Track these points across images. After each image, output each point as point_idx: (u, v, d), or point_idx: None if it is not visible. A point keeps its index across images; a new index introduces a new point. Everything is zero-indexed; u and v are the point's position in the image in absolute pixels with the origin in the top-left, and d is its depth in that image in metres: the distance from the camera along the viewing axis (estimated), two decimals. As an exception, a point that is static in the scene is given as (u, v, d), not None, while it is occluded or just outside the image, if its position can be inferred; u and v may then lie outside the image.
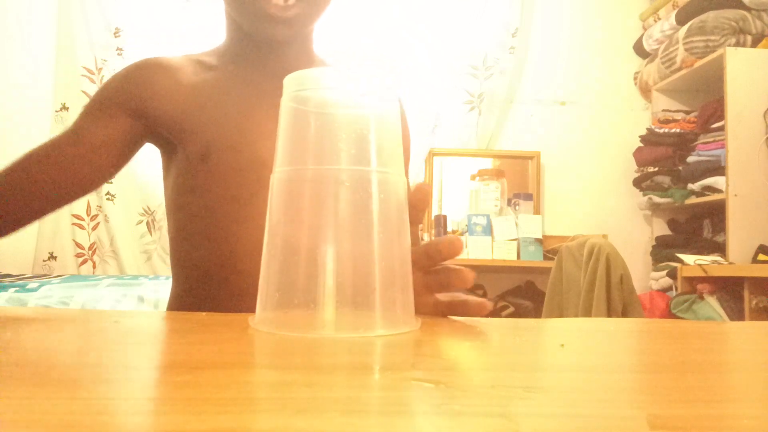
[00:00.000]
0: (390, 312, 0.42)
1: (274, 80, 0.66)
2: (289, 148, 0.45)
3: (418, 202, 0.50)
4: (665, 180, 2.68)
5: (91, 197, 2.78)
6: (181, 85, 0.75)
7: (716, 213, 2.46)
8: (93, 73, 2.79)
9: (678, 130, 2.65)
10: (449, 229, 2.70)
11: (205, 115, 0.73)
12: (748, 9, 2.44)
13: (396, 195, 0.44)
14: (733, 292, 2.15)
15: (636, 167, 2.86)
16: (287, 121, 0.45)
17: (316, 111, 0.44)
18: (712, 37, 2.43)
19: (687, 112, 2.72)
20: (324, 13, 0.75)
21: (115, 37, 2.79)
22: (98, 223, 2.77)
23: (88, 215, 2.77)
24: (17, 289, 1.96)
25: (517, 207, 2.77)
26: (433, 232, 2.64)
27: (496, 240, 2.64)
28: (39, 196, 0.75)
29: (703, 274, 2.17)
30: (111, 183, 2.75)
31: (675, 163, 2.65)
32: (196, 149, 0.72)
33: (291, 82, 0.45)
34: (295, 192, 0.43)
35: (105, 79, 2.76)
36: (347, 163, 0.42)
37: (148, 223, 2.78)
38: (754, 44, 2.42)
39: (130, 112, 0.75)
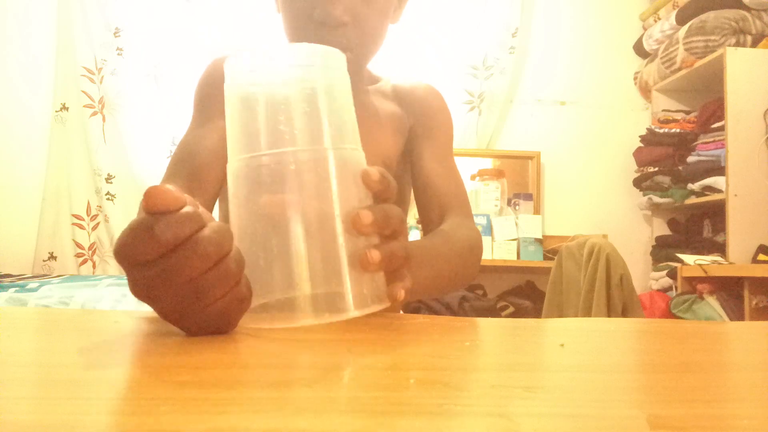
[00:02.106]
0: (359, 291, 0.42)
1: None
2: (239, 135, 0.43)
3: (378, 191, 0.45)
4: (665, 180, 2.68)
5: (91, 197, 2.78)
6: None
7: (716, 213, 2.46)
8: (93, 73, 2.79)
9: (678, 130, 2.65)
10: (449, 229, 2.70)
11: None
12: (748, 9, 2.44)
13: (354, 171, 0.43)
14: (733, 292, 2.15)
15: (636, 167, 2.86)
16: (233, 107, 0.44)
17: (260, 91, 0.43)
18: (712, 37, 2.43)
19: (687, 112, 2.72)
20: (377, 45, 0.80)
21: (115, 36, 2.79)
22: (98, 223, 2.77)
23: (88, 215, 2.77)
24: (17, 289, 1.97)
25: (517, 207, 2.77)
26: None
27: (496, 240, 2.64)
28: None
29: (703, 274, 2.17)
30: (111, 183, 2.76)
31: (675, 163, 2.65)
32: None
33: (230, 68, 0.44)
34: (253, 181, 0.42)
35: (105, 79, 2.78)
36: (301, 144, 0.41)
37: (148, 223, 2.78)
38: (754, 44, 2.42)
39: None
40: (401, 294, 0.44)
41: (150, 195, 0.34)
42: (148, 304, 0.37)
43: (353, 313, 0.41)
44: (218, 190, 0.75)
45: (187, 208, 0.35)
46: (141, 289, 0.36)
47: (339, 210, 0.41)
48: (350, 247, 0.41)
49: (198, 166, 0.73)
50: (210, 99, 0.79)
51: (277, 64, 0.44)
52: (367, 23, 0.76)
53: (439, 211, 0.81)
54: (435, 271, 0.67)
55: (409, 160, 0.88)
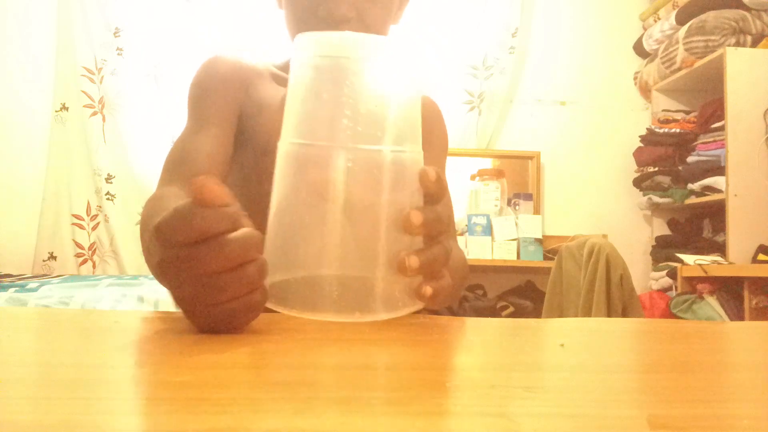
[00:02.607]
0: (390, 293, 0.41)
1: None
2: (302, 118, 0.42)
3: (433, 192, 0.44)
4: (665, 180, 2.68)
5: (91, 197, 2.78)
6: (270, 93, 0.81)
7: (716, 213, 2.46)
8: (93, 73, 2.79)
9: (678, 130, 2.65)
10: (449, 229, 2.70)
11: (273, 114, 0.77)
12: (748, 9, 2.44)
13: (410, 171, 0.42)
14: (733, 292, 2.15)
15: (636, 167, 2.86)
16: (300, 87, 0.42)
17: (333, 78, 0.41)
18: (712, 37, 2.43)
19: (687, 112, 2.72)
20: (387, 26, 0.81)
21: (115, 36, 2.79)
22: (98, 223, 2.77)
23: (88, 215, 2.77)
24: (17, 289, 1.97)
25: (517, 207, 2.77)
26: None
27: (496, 240, 2.64)
28: None
29: (703, 274, 2.17)
30: (111, 183, 2.76)
31: (675, 163, 2.65)
32: (258, 141, 0.77)
33: (312, 43, 0.42)
34: (304, 169, 0.41)
35: (105, 79, 2.78)
36: (360, 141, 0.40)
37: (148, 223, 2.78)
38: (754, 44, 2.42)
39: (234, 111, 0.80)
40: (428, 291, 0.42)
41: (199, 186, 0.36)
42: (167, 286, 0.39)
43: (381, 315, 0.40)
44: None
45: (229, 208, 0.37)
46: (165, 269, 0.37)
47: (387, 204, 0.41)
48: (391, 243, 0.40)
49: (195, 174, 0.72)
50: (207, 101, 0.78)
51: (362, 53, 0.42)
52: (371, 21, 0.75)
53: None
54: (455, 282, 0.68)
55: None
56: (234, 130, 0.78)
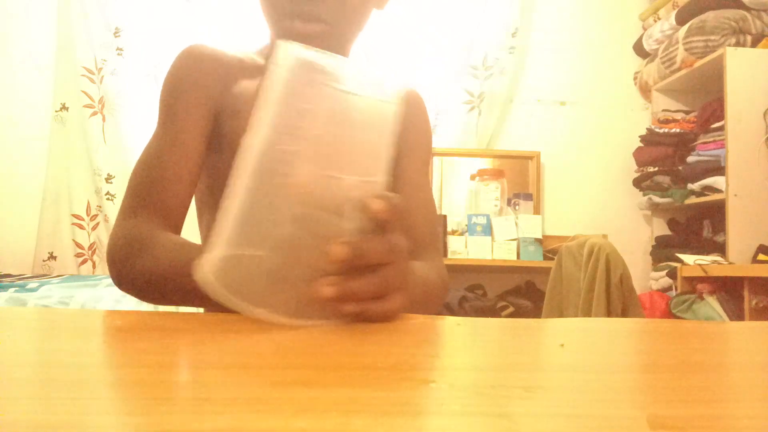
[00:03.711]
0: (307, 303, 0.43)
1: None
2: (276, 123, 0.41)
3: (385, 219, 0.44)
4: (665, 180, 2.68)
5: (91, 197, 2.78)
6: (245, 83, 0.75)
7: (716, 213, 2.46)
8: (93, 73, 2.79)
9: (678, 130, 2.65)
10: (449, 229, 2.70)
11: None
12: (748, 9, 2.44)
13: (360, 201, 0.43)
14: (733, 292, 2.15)
15: (636, 167, 2.86)
16: (279, 91, 0.41)
17: (314, 94, 0.42)
18: (712, 37, 2.43)
19: (687, 112, 2.72)
20: (356, 23, 0.75)
21: (115, 36, 2.79)
22: (98, 223, 2.77)
23: (87, 215, 2.77)
24: (17, 289, 1.97)
25: (517, 207, 2.77)
26: (433, 232, 2.64)
27: (496, 240, 2.64)
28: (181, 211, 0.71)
29: (703, 274, 2.17)
30: (111, 183, 2.76)
31: (675, 163, 2.65)
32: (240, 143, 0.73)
33: (296, 52, 0.41)
34: (275, 168, 0.41)
35: (105, 79, 2.78)
36: (321, 166, 0.41)
37: (148, 223, 2.78)
38: (754, 44, 2.42)
39: (210, 105, 0.74)
40: (325, 292, 0.41)
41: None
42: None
43: (295, 321, 0.42)
44: (184, 215, 0.70)
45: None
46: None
47: (337, 228, 0.42)
48: (321, 263, 0.41)
49: (164, 200, 0.68)
50: (179, 102, 0.72)
51: (345, 76, 0.43)
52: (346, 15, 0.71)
53: (413, 245, 0.80)
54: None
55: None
56: (208, 132, 0.72)
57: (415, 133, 0.84)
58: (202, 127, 0.72)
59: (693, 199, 2.54)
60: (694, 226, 2.68)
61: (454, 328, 0.48)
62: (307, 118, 0.42)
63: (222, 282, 0.39)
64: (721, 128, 2.36)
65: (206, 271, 0.39)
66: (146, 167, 0.71)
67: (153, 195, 0.68)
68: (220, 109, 0.73)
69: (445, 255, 2.56)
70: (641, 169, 2.83)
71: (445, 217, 2.68)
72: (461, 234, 2.68)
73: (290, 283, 0.42)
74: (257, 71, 0.77)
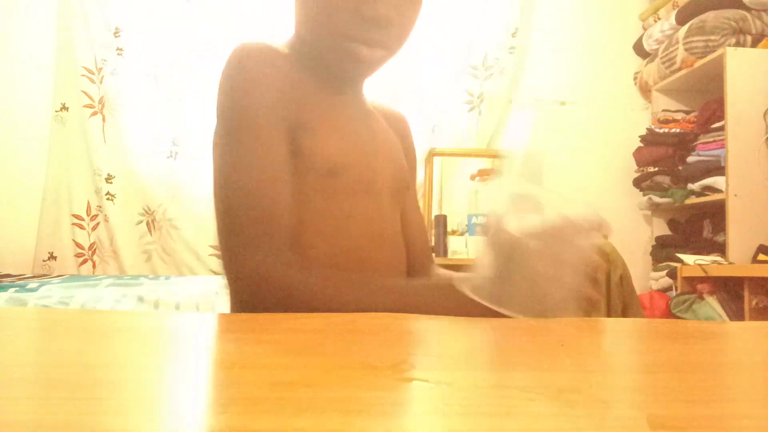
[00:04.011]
0: None
1: (358, 105, 0.78)
2: None
3: None
4: (665, 180, 2.68)
5: (91, 197, 2.78)
6: (306, 94, 0.72)
7: (716, 213, 2.46)
8: (93, 73, 2.79)
9: (678, 130, 2.64)
10: (449, 229, 2.70)
11: (330, 131, 0.71)
12: (748, 9, 2.44)
13: None
14: (733, 292, 2.15)
15: (636, 167, 2.86)
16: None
17: None
18: (712, 37, 2.43)
19: (687, 112, 2.72)
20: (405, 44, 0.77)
21: (115, 36, 2.79)
22: (98, 223, 2.77)
23: (88, 215, 2.77)
24: (17, 289, 1.96)
25: (517, 207, 2.76)
26: (432, 232, 2.64)
27: (496, 240, 2.63)
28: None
29: (703, 274, 2.17)
30: (111, 183, 2.76)
31: (675, 163, 2.65)
32: (322, 164, 0.69)
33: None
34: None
35: (105, 79, 2.78)
36: None
37: (148, 223, 2.78)
38: (754, 44, 2.42)
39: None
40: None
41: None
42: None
43: None
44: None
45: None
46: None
47: None
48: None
49: (282, 229, 0.64)
50: (260, 108, 0.65)
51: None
52: (410, 23, 0.74)
53: (412, 261, 0.85)
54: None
55: None
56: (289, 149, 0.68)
57: (412, 157, 0.90)
58: (287, 144, 0.67)
59: (693, 199, 2.54)
60: (694, 226, 2.68)
61: (454, 328, 0.48)
62: None
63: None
64: (721, 128, 2.36)
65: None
66: (253, 194, 0.64)
67: (273, 225, 0.63)
68: (296, 124, 0.68)
69: (445, 255, 2.56)
70: (641, 169, 2.83)
71: (445, 217, 2.67)
72: (461, 234, 2.68)
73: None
74: (322, 81, 0.74)
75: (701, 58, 2.48)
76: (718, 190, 2.37)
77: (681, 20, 2.64)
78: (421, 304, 0.58)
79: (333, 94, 0.75)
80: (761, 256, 2.19)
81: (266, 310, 0.59)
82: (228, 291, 0.65)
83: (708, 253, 2.40)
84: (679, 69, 2.62)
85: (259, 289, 0.61)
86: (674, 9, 2.73)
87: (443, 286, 0.59)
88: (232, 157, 0.65)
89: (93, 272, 2.74)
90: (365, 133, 0.76)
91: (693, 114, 2.67)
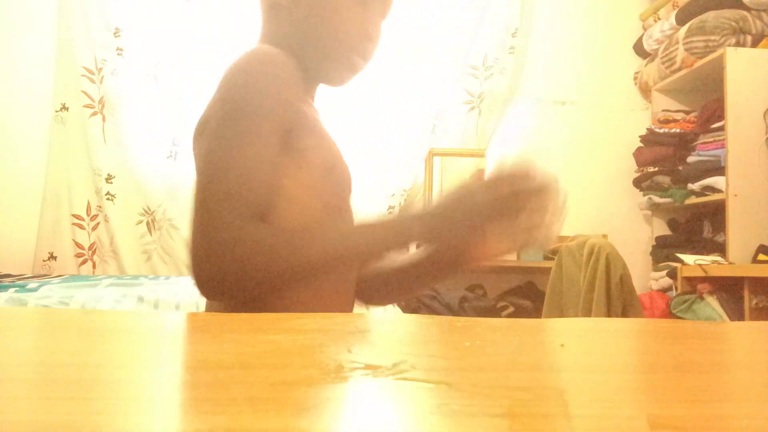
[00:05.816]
0: None
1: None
2: None
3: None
4: (665, 180, 2.68)
5: (91, 197, 2.78)
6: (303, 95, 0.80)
7: (716, 213, 2.46)
8: (93, 73, 2.79)
9: (678, 130, 2.64)
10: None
11: (320, 133, 0.79)
12: (748, 9, 2.44)
13: None
14: (733, 292, 2.15)
15: (636, 167, 2.86)
16: None
17: None
18: (712, 37, 2.43)
19: (687, 112, 2.71)
20: None
21: (115, 36, 2.79)
22: (98, 223, 2.77)
23: (88, 215, 2.77)
24: (17, 289, 1.96)
25: (517, 207, 2.76)
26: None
27: (496, 240, 2.63)
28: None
29: (703, 274, 2.17)
30: (111, 183, 2.76)
31: (675, 163, 2.65)
32: (321, 161, 0.77)
33: None
34: None
35: (105, 79, 2.78)
36: None
37: (148, 223, 2.78)
38: (754, 44, 2.42)
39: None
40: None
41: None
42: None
43: None
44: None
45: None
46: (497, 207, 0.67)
47: None
48: None
49: (271, 207, 0.69)
50: (264, 106, 0.69)
51: None
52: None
53: None
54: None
55: None
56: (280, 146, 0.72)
57: None
58: (278, 139, 0.71)
59: (693, 199, 2.54)
60: (694, 226, 2.68)
61: (454, 328, 0.48)
62: None
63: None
64: (721, 128, 2.36)
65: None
66: (248, 174, 0.67)
67: (251, 196, 0.66)
68: (292, 125, 0.73)
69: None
70: (641, 169, 2.83)
71: (445, 217, 2.67)
72: (461, 234, 2.67)
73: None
74: (308, 87, 0.82)
75: (701, 58, 2.48)
76: (718, 190, 2.36)
77: (681, 20, 2.64)
78: (380, 241, 0.68)
79: (311, 99, 0.85)
80: (761, 256, 2.18)
81: (238, 274, 0.61)
82: (198, 290, 0.64)
83: (708, 253, 2.40)
84: (679, 69, 2.62)
85: (231, 248, 0.62)
86: (674, 9, 2.73)
87: (397, 221, 0.71)
88: (222, 140, 0.67)
89: (93, 272, 2.74)
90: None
91: (693, 114, 2.66)
